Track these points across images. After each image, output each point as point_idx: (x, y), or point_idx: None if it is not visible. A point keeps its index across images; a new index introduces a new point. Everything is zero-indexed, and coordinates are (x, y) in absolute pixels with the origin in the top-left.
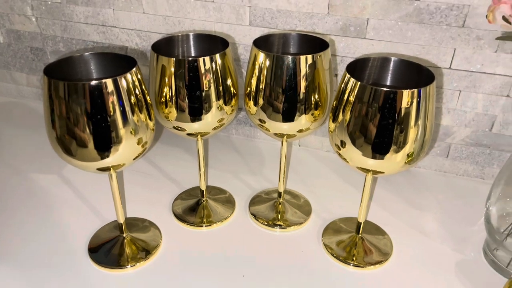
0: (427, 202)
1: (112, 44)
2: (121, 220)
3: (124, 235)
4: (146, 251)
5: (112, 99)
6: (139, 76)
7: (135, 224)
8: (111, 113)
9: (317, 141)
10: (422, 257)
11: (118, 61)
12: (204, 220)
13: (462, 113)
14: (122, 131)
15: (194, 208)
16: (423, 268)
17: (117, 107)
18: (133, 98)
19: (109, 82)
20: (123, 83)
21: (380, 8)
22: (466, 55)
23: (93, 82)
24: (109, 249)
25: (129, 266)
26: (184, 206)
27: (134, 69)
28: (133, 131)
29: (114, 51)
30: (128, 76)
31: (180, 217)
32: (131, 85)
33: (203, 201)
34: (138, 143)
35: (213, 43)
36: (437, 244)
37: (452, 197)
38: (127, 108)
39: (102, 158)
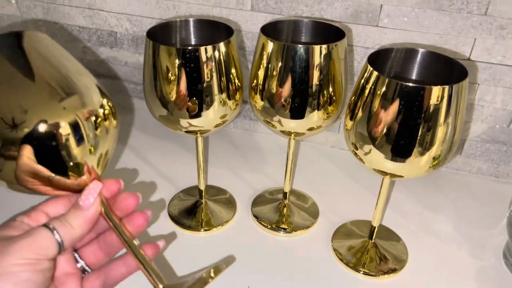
0: (440, 202)
1: (99, 29)
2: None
3: None
4: None
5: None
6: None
7: None
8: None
9: (322, 136)
10: (439, 264)
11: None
12: (203, 223)
13: (479, 108)
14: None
15: (192, 210)
16: (441, 277)
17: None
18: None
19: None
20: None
21: None
22: (487, 46)
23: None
24: None
25: None
26: (181, 207)
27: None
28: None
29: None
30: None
31: (176, 220)
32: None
33: (202, 202)
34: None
35: (215, 30)
36: (454, 249)
37: (465, 196)
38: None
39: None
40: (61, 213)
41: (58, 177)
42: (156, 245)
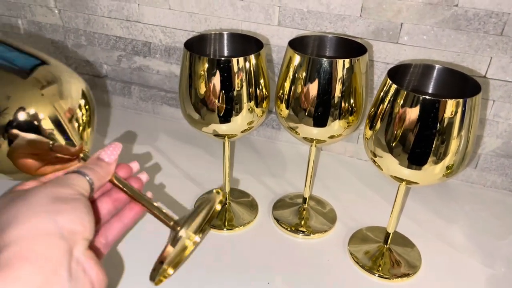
0: (454, 213)
1: (135, 39)
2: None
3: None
4: None
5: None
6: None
7: None
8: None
9: (340, 146)
10: (451, 271)
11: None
12: (226, 223)
13: (494, 124)
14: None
15: None
16: (453, 284)
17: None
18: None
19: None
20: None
21: (416, 12)
22: (503, 64)
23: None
24: None
25: None
26: None
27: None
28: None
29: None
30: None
31: None
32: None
33: (226, 203)
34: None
35: (247, 43)
36: (466, 257)
37: (479, 208)
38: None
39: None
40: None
41: (58, 144)
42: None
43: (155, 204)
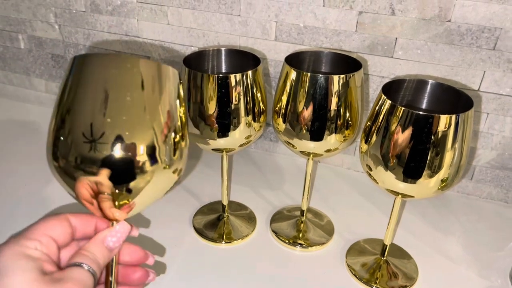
0: (450, 224)
1: (134, 54)
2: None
3: None
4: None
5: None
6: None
7: None
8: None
9: (338, 158)
10: (447, 283)
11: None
12: (224, 236)
13: (488, 136)
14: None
15: (215, 223)
16: None
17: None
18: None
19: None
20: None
21: (410, 27)
22: (496, 78)
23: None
24: None
25: None
26: (205, 221)
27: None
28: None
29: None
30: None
31: (200, 232)
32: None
33: (224, 216)
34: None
35: (244, 59)
36: (463, 269)
37: (475, 220)
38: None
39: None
40: (68, 241)
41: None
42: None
43: None
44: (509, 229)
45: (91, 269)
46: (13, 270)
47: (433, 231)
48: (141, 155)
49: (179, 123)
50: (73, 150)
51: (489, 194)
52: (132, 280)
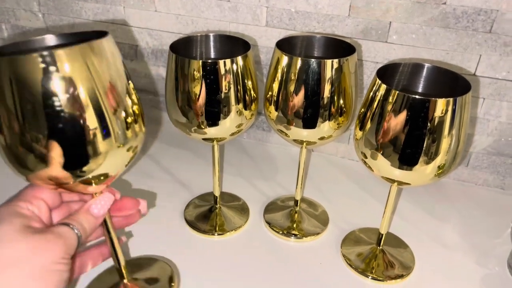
0: (447, 212)
1: (121, 43)
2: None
3: (125, 280)
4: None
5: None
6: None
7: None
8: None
9: (332, 147)
10: (444, 271)
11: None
12: (217, 228)
13: (484, 122)
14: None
15: (207, 215)
16: (446, 284)
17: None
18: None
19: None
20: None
21: (404, 11)
22: (492, 62)
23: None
24: None
25: None
26: (196, 213)
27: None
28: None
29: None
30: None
31: (192, 224)
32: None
33: (216, 208)
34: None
35: (234, 45)
36: (460, 257)
37: (471, 207)
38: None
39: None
40: (58, 203)
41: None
42: (137, 202)
43: (119, 253)
44: (505, 216)
45: (76, 229)
46: (2, 222)
47: (429, 218)
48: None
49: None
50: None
51: (485, 181)
52: (125, 209)
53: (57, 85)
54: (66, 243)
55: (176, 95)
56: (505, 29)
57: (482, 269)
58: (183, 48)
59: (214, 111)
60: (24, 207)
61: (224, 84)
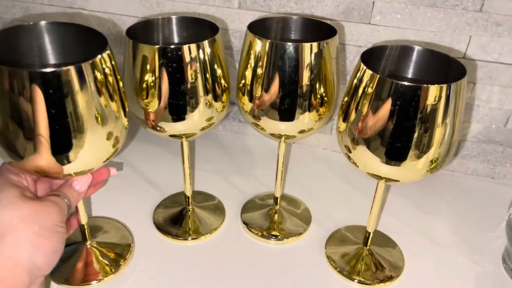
0: (435, 204)
1: None
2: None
3: (88, 243)
4: (116, 259)
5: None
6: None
7: (99, 227)
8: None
9: (313, 138)
10: (436, 270)
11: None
12: (190, 232)
13: (474, 107)
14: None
15: (179, 217)
16: (439, 284)
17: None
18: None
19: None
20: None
21: None
22: (483, 43)
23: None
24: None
25: (94, 283)
26: (167, 215)
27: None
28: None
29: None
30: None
31: (162, 229)
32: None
33: (189, 209)
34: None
35: (200, 28)
36: (452, 254)
37: (461, 198)
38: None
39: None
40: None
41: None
42: (108, 170)
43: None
44: (498, 206)
45: (66, 200)
46: (2, 189)
47: (418, 213)
48: None
49: None
50: None
51: (474, 170)
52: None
53: None
54: (61, 210)
55: (135, 87)
56: (497, 7)
57: (476, 266)
58: (142, 33)
59: (179, 104)
60: (15, 179)
61: (189, 72)
